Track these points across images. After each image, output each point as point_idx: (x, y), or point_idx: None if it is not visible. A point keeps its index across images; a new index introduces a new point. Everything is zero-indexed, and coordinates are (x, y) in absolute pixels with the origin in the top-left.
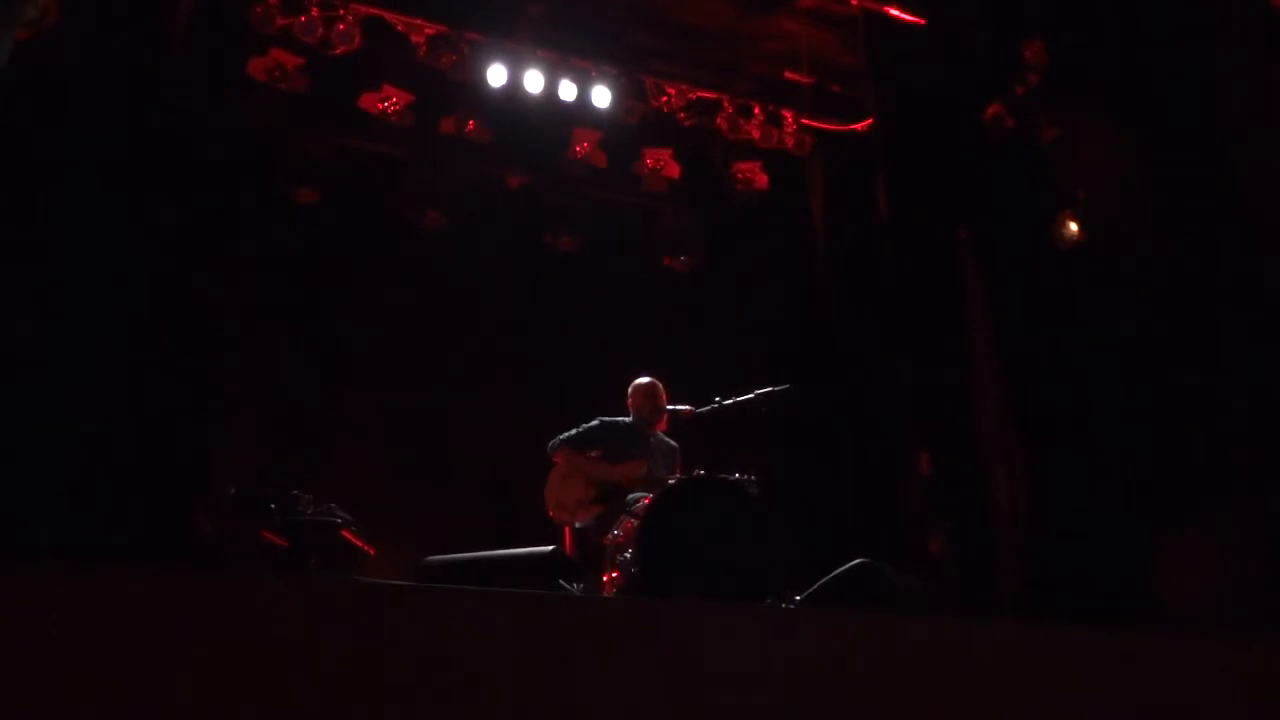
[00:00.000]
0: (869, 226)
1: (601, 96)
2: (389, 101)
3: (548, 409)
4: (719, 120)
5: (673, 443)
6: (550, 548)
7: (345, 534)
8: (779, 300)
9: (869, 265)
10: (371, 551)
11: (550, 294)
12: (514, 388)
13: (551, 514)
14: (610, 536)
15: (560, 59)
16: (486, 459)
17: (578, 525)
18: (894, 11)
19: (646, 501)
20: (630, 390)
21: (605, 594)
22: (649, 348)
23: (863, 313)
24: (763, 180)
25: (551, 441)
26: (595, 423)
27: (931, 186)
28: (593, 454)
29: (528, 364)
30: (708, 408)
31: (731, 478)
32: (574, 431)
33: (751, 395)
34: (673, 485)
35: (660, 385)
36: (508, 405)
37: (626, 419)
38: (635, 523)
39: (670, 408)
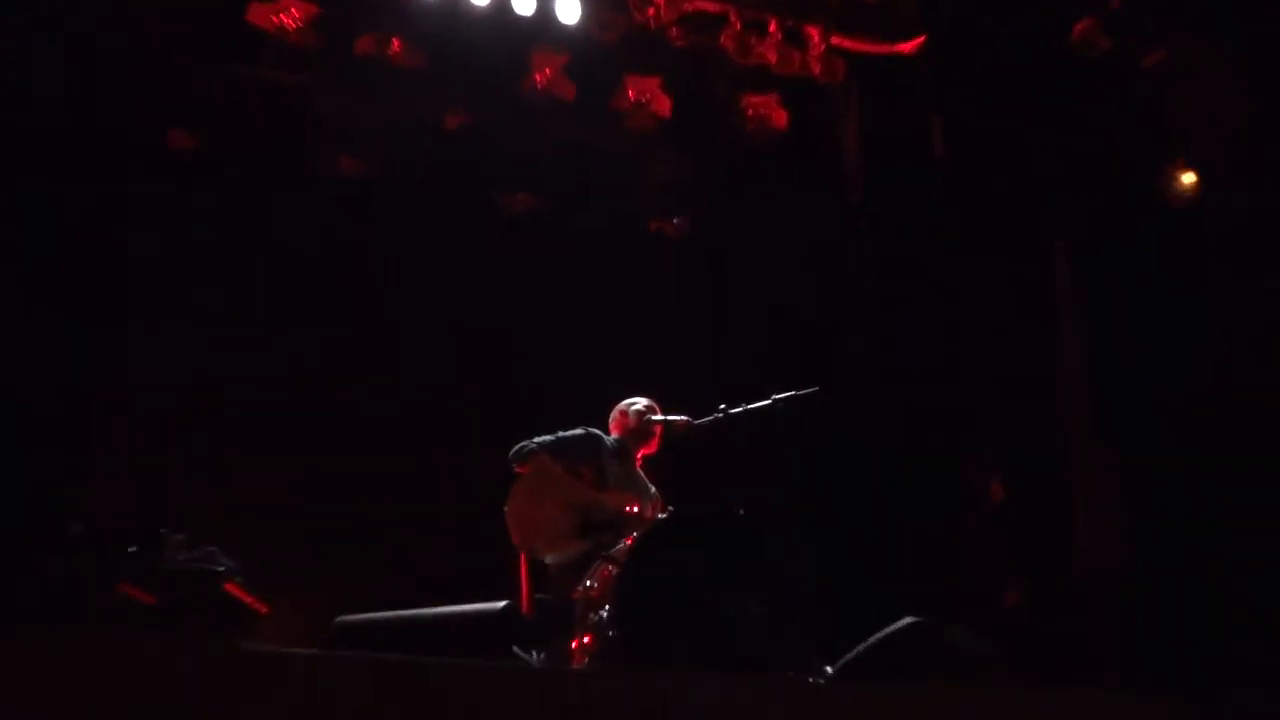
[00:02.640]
0: (920, 180)
1: (569, 8)
2: (287, 14)
3: (498, 427)
4: (724, 39)
5: (652, 486)
6: (502, 604)
7: (230, 587)
8: (802, 276)
9: (920, 231)
10: (264, 609)
11: (500, 271)
12: (454, 399)
13: (517, 540)
14: (582, 589)
15: None
16: (420, 492)
17: (550, 560)
18: None
19: (629, 544)
20: (616, 412)
21: (575, 664)
22: (632, 341)
23: (913, 293)
24: (780, 118)
25: (521, 445)
26: (581, 431)
27: (1001, 127)
28: (580, 470)
29: (472, 367)
30: (710, 419)
31: (740, 511)
32: (551, 437)
33: (767, 402)
34: (662, 521)
35: (656, 407)
36: (448, 422)
37: (612, 438)
38: (614, 570)
39: (660, 418)
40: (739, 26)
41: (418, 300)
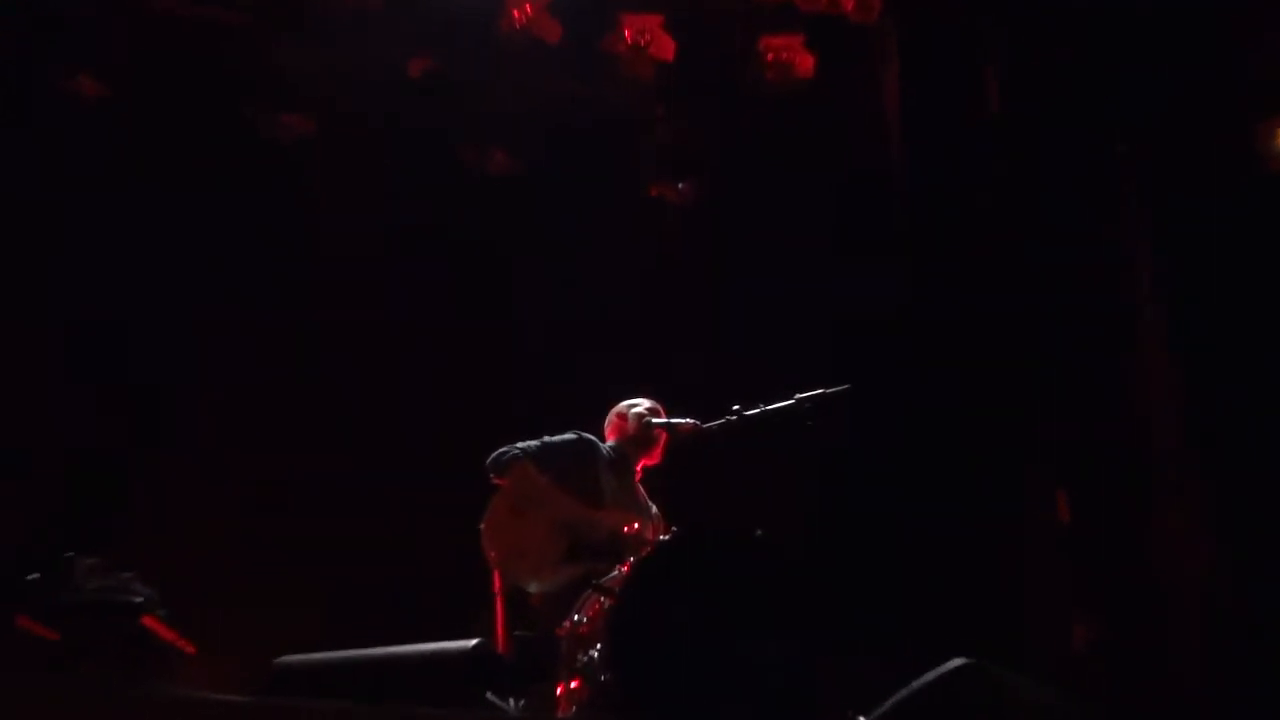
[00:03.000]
0: (972, 142)
1: None
2: None
3: (473, 432)
4: None
5: (652, 505)
6: (474, 642)
7: (149, 621)
8: (831, 254)
9: (972, 204)
10: (190, 649)
11: (471, 245)
12: (420, 399)
13: (494, 563)
14: (569, 624)
15: None
16: (378, 509)
17: (532, 590)
18: None
19: (624, 571)
20: (613, 415)
21: (560, 713)
22: (630, 331)
23: (962, 276)
24: (806, 63)
25: (501, 452)
26: (572, 436)
27: (1071, 73)
28: (570, 482)
29: (440, 361)
30: (722, 422)
31: (757, 532)
32: (537, 443)
33: (790, 402)
34: (665, 544)
35: (660, 409)
36: (412, 426)
37: (608, 445)
38: (607, 602)
39: (664, 422)
40: None
41: (376, 283)
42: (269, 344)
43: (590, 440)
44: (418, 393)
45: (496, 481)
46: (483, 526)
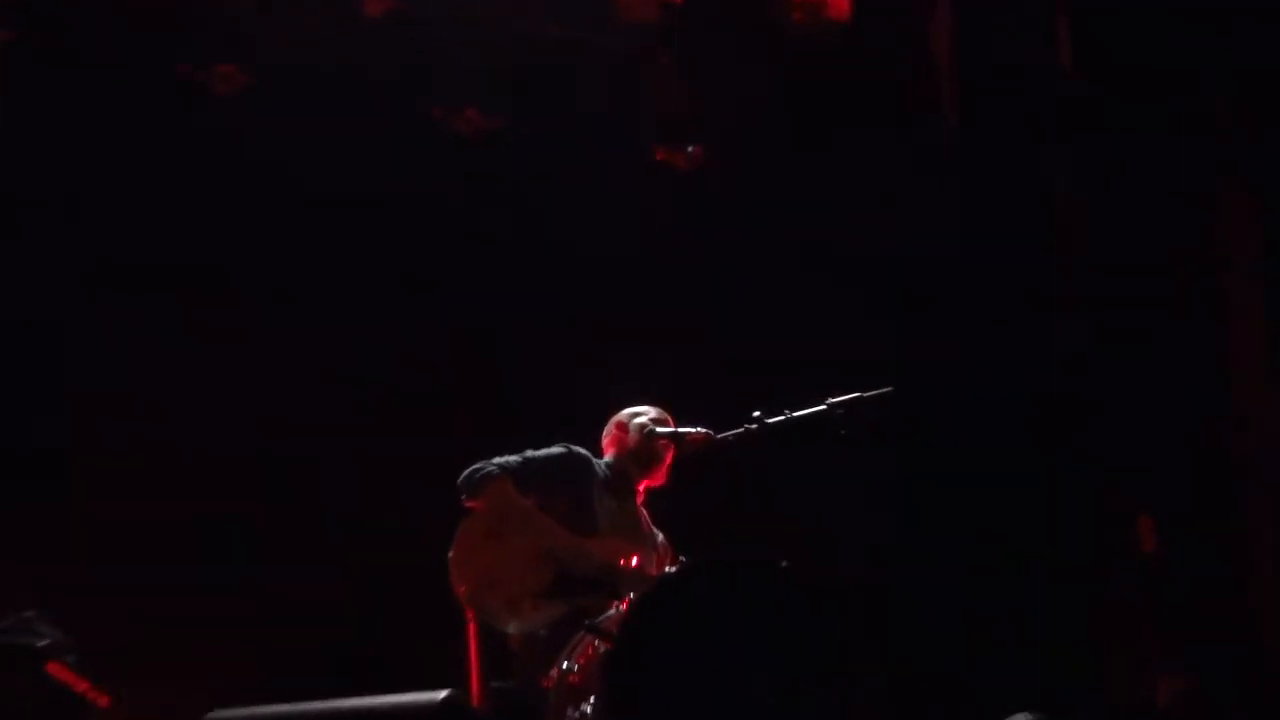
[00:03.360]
0: (1040, 93)
1: None
2: None
3: (443, 444)
4: None
5: (658, 532)
6: (442, 694)
7: (54, 668)
8: (871, 233)
9: (1039, 173)
10: (103, 700)
11: (441, 220)
12: (381, 405)
13: (464, 594)
14: (557, 672)
15: None
16: (331, 537)
17: (512, 631)
18: None
19: (623, 608)
20: (612, 426)
21: None
22: (631, 325)
23: (1026, 259)
24: (841, 6)
25: (474, 469)
26: (560, 450)
27: (1155, 21)
28: (558, 504)
29: (404, 359)
30: (739, 431)
31: (781, 563)
32: (518, 459)
33: (821, 408)
34: (671, 578)
35: (668, 418)
36: (371, 437)
37: (604, 461)
38: (602, 649)
39: (671, 432)
40: None
41: (328, 265)
42: (199, 339)
43: (582, 455)
44: (375, 397)
45: (469, 504)
46: (451, 556)
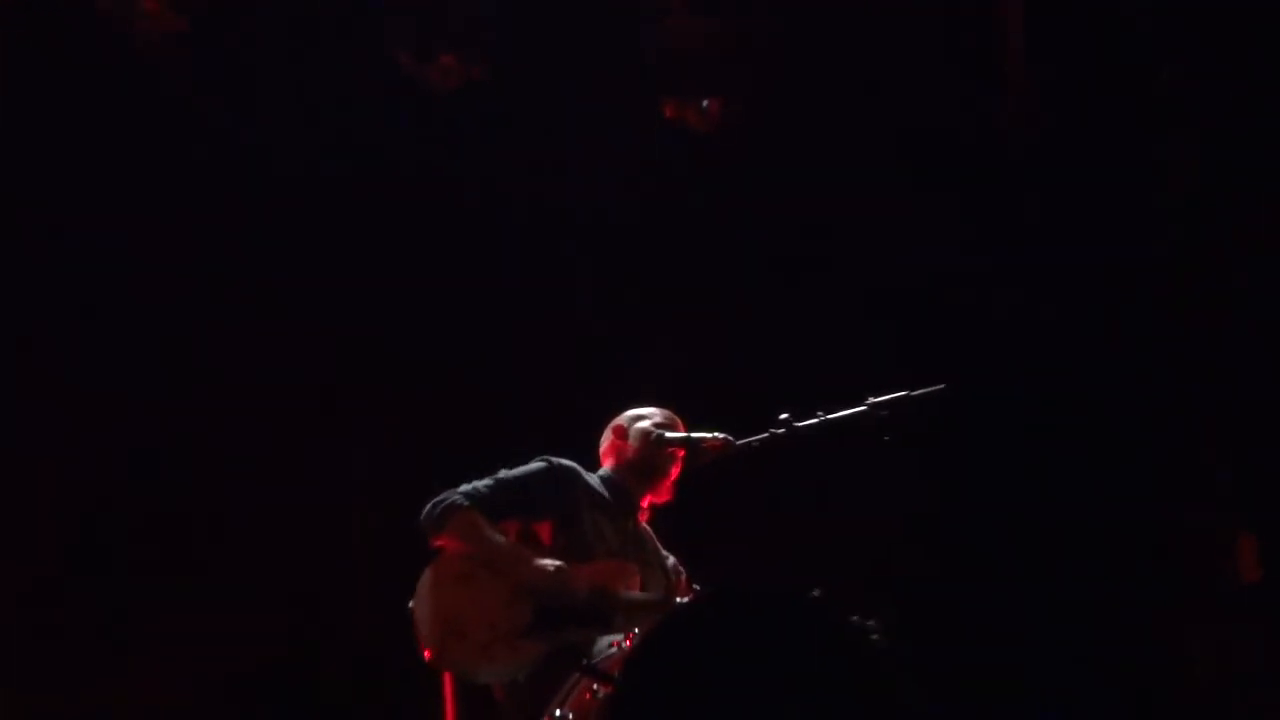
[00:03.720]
0: (1127, 69)
1: None
2: None
3: (405, 460)
4: None
5: (668, 555)
6: None
7: None
8: (922, 210)
9: (1125, 148)
10: None
11: (415, 186)
12: (334, 408)
13: (424, 641)
14: None
15: None
16: (283, 566)
17: (485, 680)
18: None
19: (626, 645)
20: (609, 432)
21: None
22: (633, 310)
23: (1104, 243)
24: None
25: (437, 501)
26: (540, 465)
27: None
28: (535, 530)
29: (363, 355)
30: (764, 436)
31: (812, 593)
32: (488, 483)
33: (861, 408)
34: (682, 613)
35: (677, 420)
36: (325, 449)
37: (599, 474)
38: (601, 694)
39: (681, 437)
40: None
41: (277, 242)
42: (124, 320)
43: (568, 469)
44: (332, 400)
45: (434, 542)
46: (413, 607)
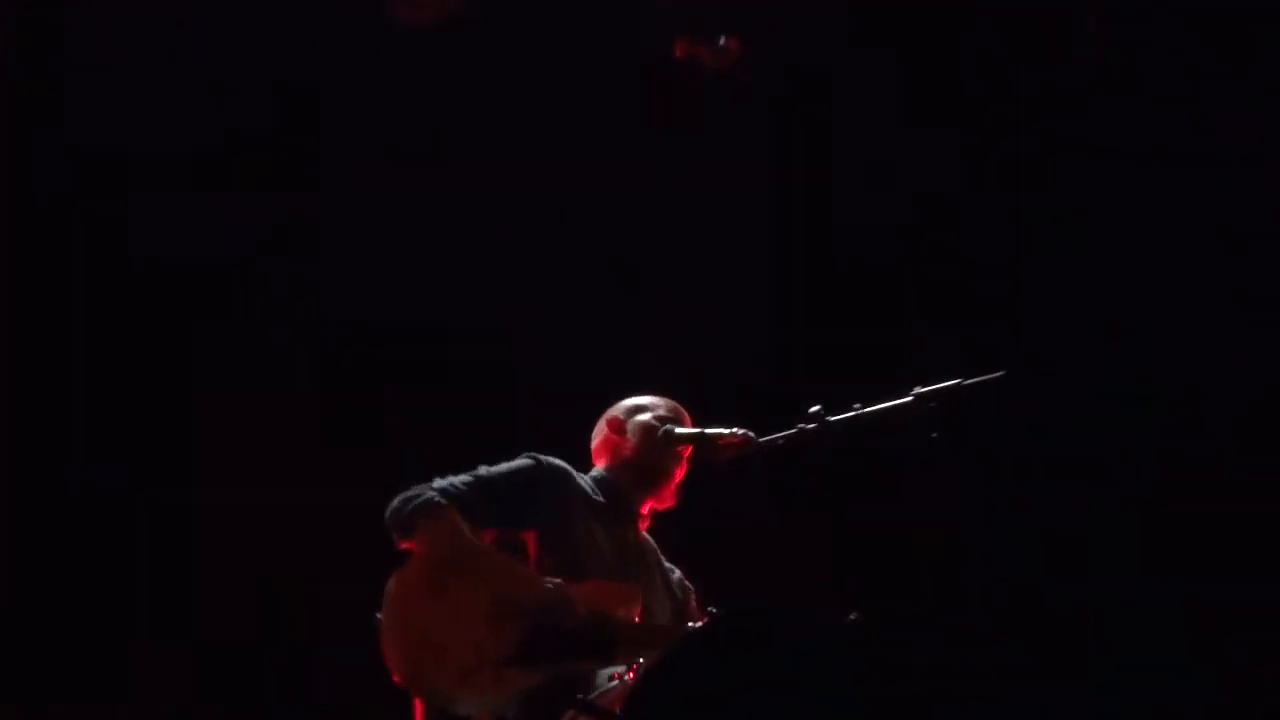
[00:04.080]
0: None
1: None
2: None
3: (377, 456)
4: None
5: (673, 568)
6: None
7: None
8: (974, 179)
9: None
10: None
11: (385, 146)
12: (288, 412)
13: (397, 666)
14: None
15: None
16: (242, 583)
17: (469, 712)
18: None
19: (629, 679)
20: (604, 424)
21: None
22: (637, 286)
23: (1176, 225)
24: None
25: (408, 497)
26: (526, 462)
27: None
28: (521, 536)
29: (321, 342)
30: (791, 433)
31: (847, 617)
32: (467, 479)
33: (906, 399)
34: (693, 638)
35: (683, 413)
36: (285, 451)
37: (591, 475)
38: None
39: (691, 433)
40: None
41: (213, 211)
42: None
43: (557, 468)
44: (289, 394)
45: (402, 544)
46: (381, 619)
